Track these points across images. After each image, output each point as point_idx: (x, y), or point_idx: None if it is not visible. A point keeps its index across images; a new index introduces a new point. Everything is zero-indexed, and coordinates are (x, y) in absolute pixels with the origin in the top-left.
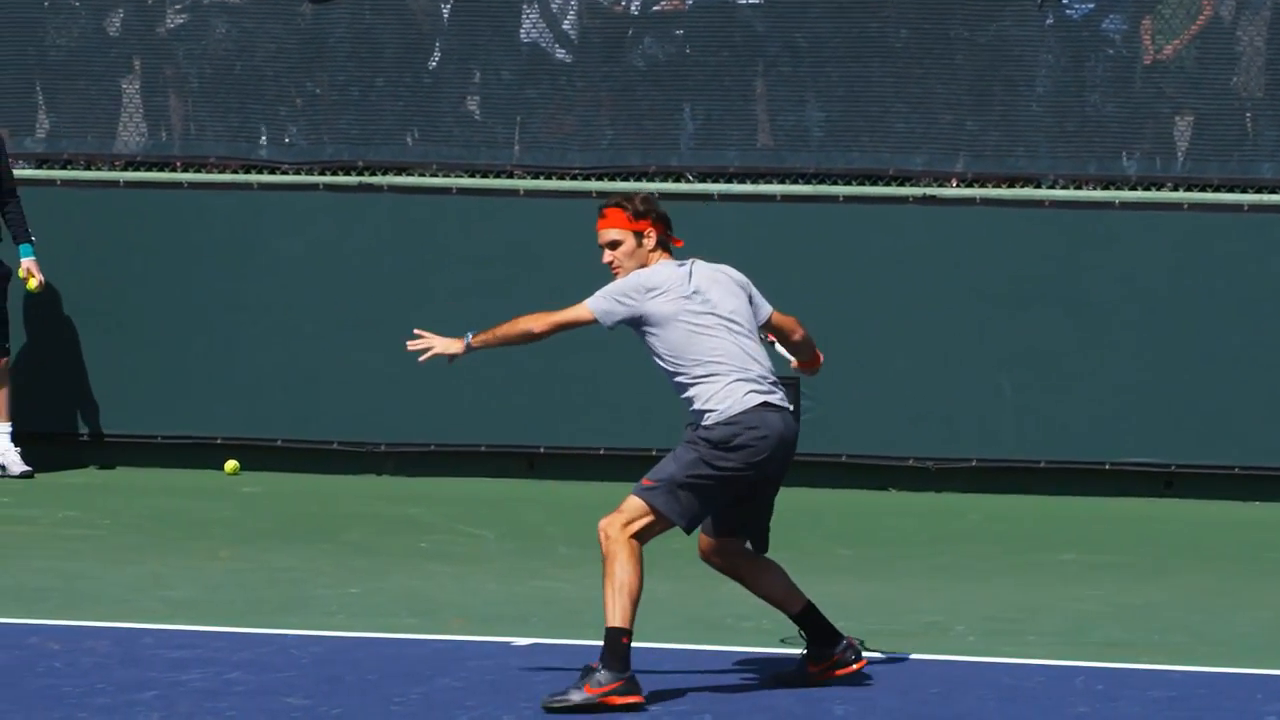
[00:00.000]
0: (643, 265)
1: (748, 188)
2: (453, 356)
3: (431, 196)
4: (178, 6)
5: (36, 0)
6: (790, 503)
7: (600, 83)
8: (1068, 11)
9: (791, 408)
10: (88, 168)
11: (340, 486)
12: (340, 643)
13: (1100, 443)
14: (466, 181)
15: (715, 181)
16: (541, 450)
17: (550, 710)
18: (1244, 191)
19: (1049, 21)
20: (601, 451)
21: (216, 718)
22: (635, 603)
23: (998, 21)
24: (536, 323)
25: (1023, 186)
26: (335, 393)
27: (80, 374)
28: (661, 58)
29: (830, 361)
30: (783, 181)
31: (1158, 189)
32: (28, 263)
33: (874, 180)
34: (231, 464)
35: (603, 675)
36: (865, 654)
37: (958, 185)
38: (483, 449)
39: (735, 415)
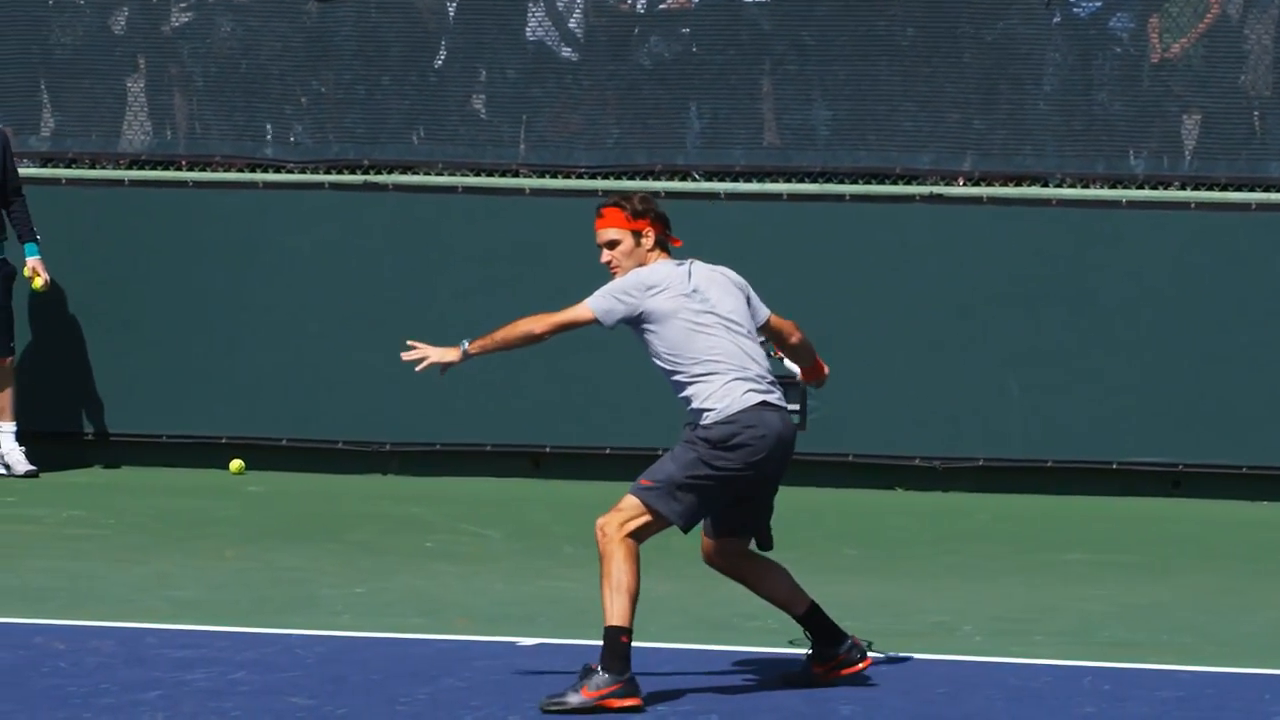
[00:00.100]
0: (641, 265)
1: (754, 186)
2: (447, 365)
3: (437, 195)
4: (183, 5)
5: None
6: (796, 502)
7: (606, 81)
8: (1075, 10)
9: (796, 408)
10: (92, 166)
11: (345, 486)
12: (345, 642)
13: (1107, 442)
14: (472, 180)
15: (721, 180)
16: (547, 449)
17: (547, 712)
18: (1251, 190)
19: (1056, 20)
20: (607, 451)
21: (221, 718)
22: (633, 601)
23: (1005, 20)
24: (537, 324)
25: (1030, 185)
26: (340, 392)
27: (85, 373)
28: (668, 56)
29: (837, 361)
30: (789, 180)
31: (1165, 188)
32: (33, 262)
33: (880, 179)
34: (236, 463)
35: (601, 678)
36: (871, 654)
37: (964, 184)
38: (488, 448)
39: (734, 414)
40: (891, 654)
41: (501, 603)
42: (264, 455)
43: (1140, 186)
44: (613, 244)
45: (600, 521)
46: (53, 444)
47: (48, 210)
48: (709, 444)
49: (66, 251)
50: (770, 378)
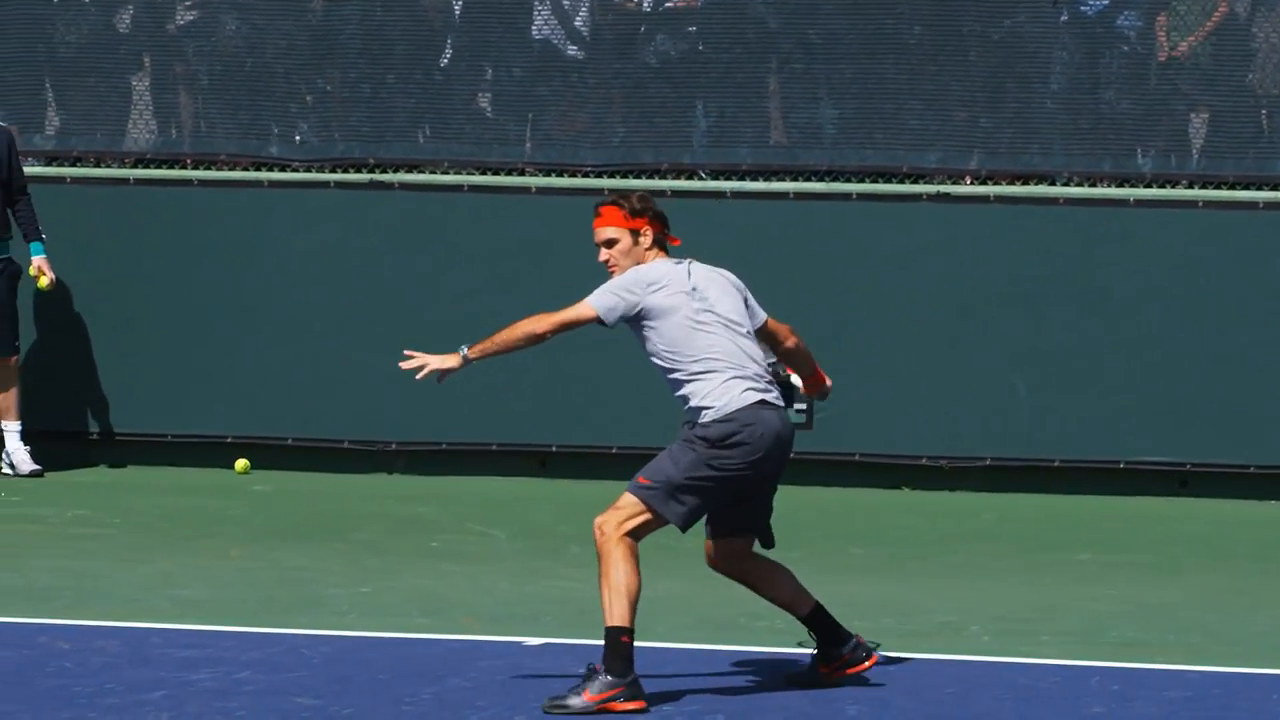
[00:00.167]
0: (639, 264)
1: (760, 185)
2: (446, 372)
3: (443, 194)
4: (188, 3)
5: None
6: (803, 502)
7: (612, 80)
8: (1082, 8)
9: (803, 406)
10: (97, 165)
11: (351, 485)
12: (351, 642)
13: (1115, 441)
14: (478, 179)
15: (728, 179)
16: (553, 449)
17: (549, 713)
18: (1259, 189)
19: (1063, 18)
20: (614, 450)
21: (226, 718)
22: (634, 601)
23: (1012, 18)
24: (538, 324)
25: (1037, 184)
26: (346, 391)
27: (90, 372)
28: (674, 54)
29: (843, 359)
30: (796, 179)
31: (1172, 186)
32: (38, 261)
33: (887, 178)
34: (242, 463)
35: (604, 680)
36: (878, 654)
37: (971, 183)
38: (494, 448)
39: (732, 412)
40: (898, 654)
41: (507, 602)
42: (269, 454)
43: (1148, 185)
44: (610, 242)
45: (598, 520)
46: (58, 443)
47: (52, 209)
48: (708, 443)
49: (71, 250)
50: (768, 377)
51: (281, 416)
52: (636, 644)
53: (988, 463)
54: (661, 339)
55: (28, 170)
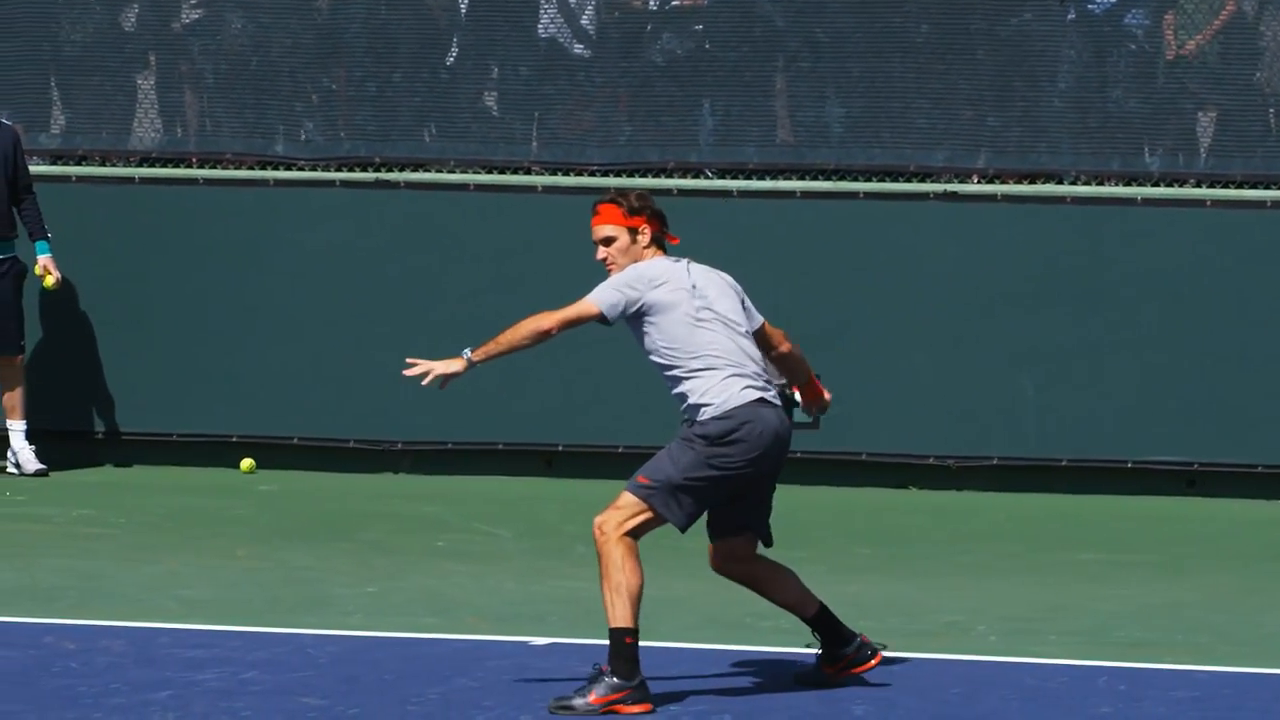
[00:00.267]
0: (637, 262)
1: (767, 184)
2: (450, 377)
3: (448, 193)
4: (193, 2)
5: None
6: (809, 501)
7: (619, 78)
8: (1089, 7)
9: (805, 420)
10: (103, 164)
11: (357, 485)
12: (357, 642)
13: (1122, 441)
14: (484, 178)
15: (734, 178)
16: (559, 448)
17: (554, 713)
18: (1267, 188)
19: (1071, 17)
20: (620, 449)
21: (232, 718)
22: (636, 601)
23: (1019, 17)
24: (543, 322)
25: (1044, 183)
26: (352, 390)
27: (96, 371)
28: (680, 53)
29: (850, 358)
30: (803, 178)
31: (1180, 185)
32: (44, 260)
33: (895, 177)
34: (247, 462)
35: (610, 683)
36: (885, 653)
37: (979, 181)
38: (500, 447)
39: (731, 409)
40: (905, 654)
41: (514, 602)
42: (275, 454)
43: (1155, 184)
44: (608, 240)
45: (598, 520)
46: (63, 443)
47: (58, 208)
48: (707, 440)
49: (77, 249)
50: (766, 376)
51: (287, 416)
52: (642, 644)
53: (995, 462)
54: (661, 335)
55: (33, 169)
